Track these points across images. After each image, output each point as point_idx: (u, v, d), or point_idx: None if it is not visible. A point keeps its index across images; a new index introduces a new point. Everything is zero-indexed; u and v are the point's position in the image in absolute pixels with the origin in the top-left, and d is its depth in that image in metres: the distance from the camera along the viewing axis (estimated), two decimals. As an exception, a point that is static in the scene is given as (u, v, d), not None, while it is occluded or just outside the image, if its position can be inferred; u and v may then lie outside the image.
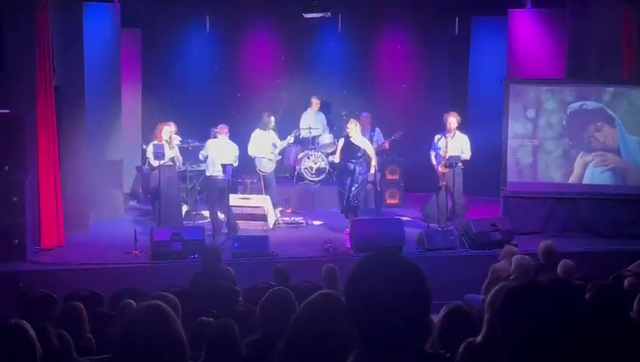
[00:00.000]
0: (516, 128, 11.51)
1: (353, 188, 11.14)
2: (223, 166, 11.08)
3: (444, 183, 10.93)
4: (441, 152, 10.92)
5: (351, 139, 11.14)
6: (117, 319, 5.72)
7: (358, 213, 11.27)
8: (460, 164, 10.86)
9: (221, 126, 11.17)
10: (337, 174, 11.79)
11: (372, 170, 11.23)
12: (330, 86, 14.52)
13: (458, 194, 10.90)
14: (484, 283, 8.06)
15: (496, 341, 1.90)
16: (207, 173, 11.08)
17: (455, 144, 10.91)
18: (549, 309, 1.82)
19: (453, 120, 10.90)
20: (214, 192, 10.99)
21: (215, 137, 11.21)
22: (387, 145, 12.21)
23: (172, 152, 10.85)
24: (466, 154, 10.92)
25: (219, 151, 10.93)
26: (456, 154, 10.81)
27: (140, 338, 2.47)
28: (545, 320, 1.80)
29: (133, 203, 13.40)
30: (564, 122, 11.50)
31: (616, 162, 11.45)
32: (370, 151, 11.20)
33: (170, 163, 10.85)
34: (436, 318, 4.64)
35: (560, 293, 1.86)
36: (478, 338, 3.71)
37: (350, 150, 11.15)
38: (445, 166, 10.86)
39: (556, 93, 11.45)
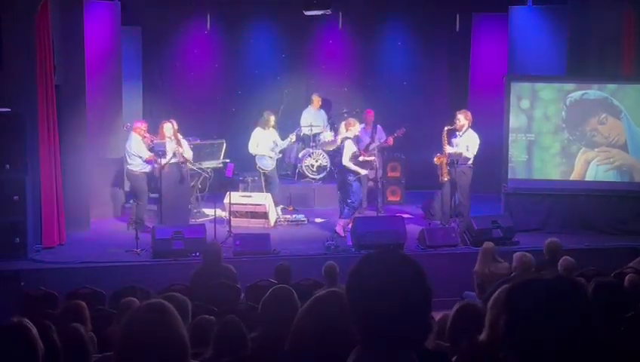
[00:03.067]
0: (509, 121, 11.20)
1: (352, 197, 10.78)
2: (224, 163, 11.15)
3: (444, 179, 10.81)
4: (443, 144, 10.78)
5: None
6: (118, 317, 5.72)
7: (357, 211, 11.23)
8: (468, 163, 10.69)
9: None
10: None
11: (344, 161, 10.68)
12: (331, 83, 14.51)
13: (462, 194, 10.83)
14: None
15: (502, 338, 1.89)
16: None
17: (462, 141, 10.74)
18: (553, 305, 1.81)
19: (461, 117, 10.72)
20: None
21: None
22: (390, 142, 12.20)
23: (173, 149, 10.84)
24: (470, 153, 10.66)
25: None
26: (459, 151, 10.70)
27: (140, 337, 2.47)
28: (550, 316, 1.79)
29: (133, 201, 13.38)
30: (563, 114, 11.16)
31: (623, 159, 11.09)
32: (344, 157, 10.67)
33: (175, 160, 10.85)
34: (437, 315, 4.65)
35: (565, 289, 1.85)
36: (482, 337, 3.69)
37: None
38: (444, 158, 10.78)
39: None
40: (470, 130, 10.73)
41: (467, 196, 10.81)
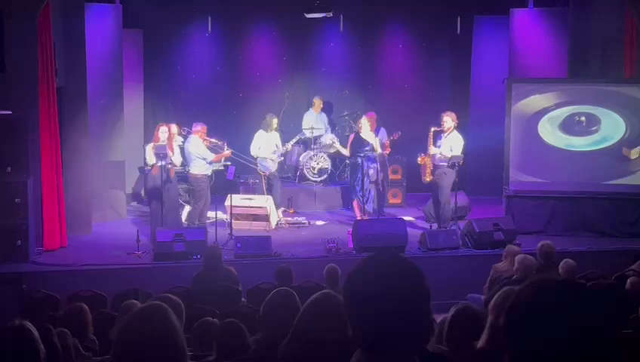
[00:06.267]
0: (510, 123, 11.24)
1: (365, 183, 11.26)
2: (225, 166, 11.16)
3: (426, 179, 11.05)
4: (428, 143, 11.01)
5: (361, 134, 11.38)
6: (119, 319, 5.72)
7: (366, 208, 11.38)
8: (456, 165, 10.85)
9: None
10: (350, 170, 12.09)
11: (377, 151, 11.35)
12: (332, 86, 14.50)
13: (444, 195, 10.96)
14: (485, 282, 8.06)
15: (509, 343, 1.87)
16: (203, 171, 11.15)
17: (446, 142, 10.92)
18: (569, 309, 1.79)
19: (447, 119, 10.94)
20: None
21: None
22: (387, 144, 12.26)
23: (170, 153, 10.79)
24: (454, 152, 10.80)
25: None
26: (444, 153, 10.86)
27: (136, 339, 2.47)
28: (565, 321, 1.77)
29: (135, 204, 13.40)
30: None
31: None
32: (377, 148, 11.29)
33: (169, 165, 10.78)
34: (439, 318, 4.64)
35: (579, 293, 1.83)
36: (481, 342, 3.68)
37: (359, 144, 11.34)
38: (428, 157, 10.98)
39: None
40: (455, 132, 10.96)
41: (448, 196, 10.94)
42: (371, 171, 11.37)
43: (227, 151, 11.42)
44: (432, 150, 10.96)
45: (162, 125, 10.86)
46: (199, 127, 11.20)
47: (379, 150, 11.39)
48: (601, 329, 1.78)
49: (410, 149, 12.82)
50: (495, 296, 3.79)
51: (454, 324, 4.17)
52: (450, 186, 10.94)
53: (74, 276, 9.14)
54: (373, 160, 11.36)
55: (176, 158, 10.85)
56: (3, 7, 9.79)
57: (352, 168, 11.76)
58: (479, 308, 4.75)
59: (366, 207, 11.41)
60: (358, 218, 11.13)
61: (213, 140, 11.36)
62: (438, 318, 4.57)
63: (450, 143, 10.91)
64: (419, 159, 11.13)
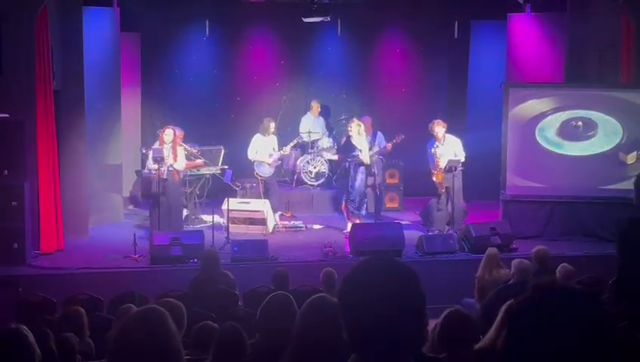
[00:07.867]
0: (507, 128, 11.32)
1: (350, 189, 11.27)
2: (223, 170, 11.22)
3: (443, 190, 11.01)
4: (435, 161, 10.99)
5: (351, 139, 11.27)
6: (116, 323, 5.71)
7: (354, 214, 11.35)
8: (460, 167, 10.89)
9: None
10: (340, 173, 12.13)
11: (366, 158, 11.24)
12: (330, 90, 14.52)
13: (457, 198, 10.93)
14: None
15: (514, 349, 1.86)
16: None
17: (447, 149, 10.95)
18: (578, 318, 1.78)
19: (439, 128, 10.95)
20: None
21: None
22: (390, 147, 12.25)
23: (170, 157, 10.79)
24: (460, 156, 10.93)
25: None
26: (451, 158, 10.87)
27: (132, 343, 2.47)
28: (556, 334, 1.77)
29: (131, 207, 13.37)
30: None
31: None
32: (365, 153, 11.17)
33: (172, 167, 10.79)
34: (433, 323, 4.65)
35: (588, 302, 1.82)
36: (483, 344, 3.68)
37: (348, 149, 11.28)
38: (443, 172, 10.90)
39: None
40: (448, 136, 11.01)
41: (461, 199, 10.99)
42: (360, 176, 11.27)
43: (199, 161, 11.69)
44: (442, 163, 10.90)
45: (168, 128, 10.88)
46: (177, 132, 11.30)
47: (367, 158, 11.18)
48: (607, 333, 1.78)
49: (407, 154, 12.84)
50: (505, 305, 3.76)
51: (446, 328, 4.18)
52: (461, 190, 10.97)
53: (70, 279, 9.12)
54: (361, 164, 11.27)
55: (179, 164, 10.89)
56: (1, 9, 9.79)
57: (342, 173, 11.80)
58: (473, 312, 4.76)
59: (356, 211, 11.33)
60: (348, 221, 11.13)
61: (186, 147, 11.42)
62: (433, 323, 4.58)
63: (452, 149, 10.94)
64: (434, 177, 11.06)
